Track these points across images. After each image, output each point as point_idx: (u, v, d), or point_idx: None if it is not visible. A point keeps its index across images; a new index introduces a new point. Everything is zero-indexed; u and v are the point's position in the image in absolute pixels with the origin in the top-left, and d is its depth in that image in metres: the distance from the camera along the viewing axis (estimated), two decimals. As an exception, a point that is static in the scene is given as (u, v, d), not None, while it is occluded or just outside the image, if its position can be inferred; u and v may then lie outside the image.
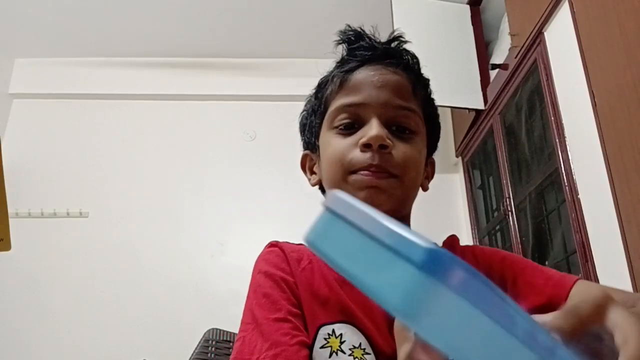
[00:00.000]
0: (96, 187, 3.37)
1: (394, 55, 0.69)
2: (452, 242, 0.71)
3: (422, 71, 0.73)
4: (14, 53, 3.60)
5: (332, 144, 0.67)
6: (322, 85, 0.73)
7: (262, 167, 3.44)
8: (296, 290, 0.62)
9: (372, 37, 0.72)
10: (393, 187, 0.63)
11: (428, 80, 0.74)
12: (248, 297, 0.63)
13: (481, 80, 3.01)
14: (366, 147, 0.63)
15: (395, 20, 2.85)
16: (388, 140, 0.62)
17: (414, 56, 0.72)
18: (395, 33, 0.73)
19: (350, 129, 0.66)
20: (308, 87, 0.79)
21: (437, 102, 0.77)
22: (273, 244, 0.69)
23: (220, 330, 1.61)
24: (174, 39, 3.52)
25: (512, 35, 2.61)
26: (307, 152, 0.77)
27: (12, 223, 0.73)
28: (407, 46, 0.73)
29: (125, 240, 3.21)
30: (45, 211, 3.27)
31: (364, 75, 0.67)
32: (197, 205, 3.34)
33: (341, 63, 0.71)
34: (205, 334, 1.61)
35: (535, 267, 0.66)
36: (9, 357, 2.97)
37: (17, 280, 3.09)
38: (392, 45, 0.72)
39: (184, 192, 3.38)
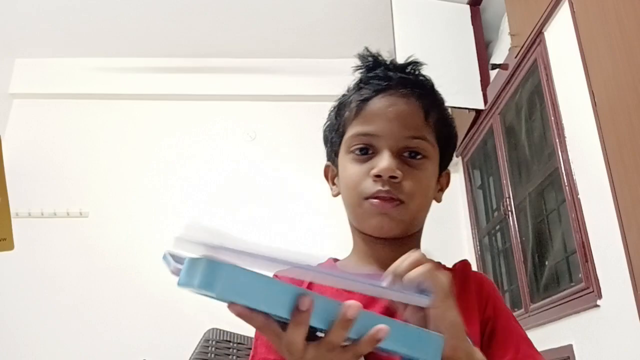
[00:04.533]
0: (96, 187, 3.37)
1: (408, 85, 0.73)
2: (464, 267, 0.76)
3: (436, 92, 0.78)
4: (14, 53, 3.60)
5: (348, 169, 0.73)
6: (341, 107, 0.78)
7: (262, 167, 3.44)
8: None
9: (389, 64, 0.76)
10: (401, 214, 0.70)
11: (442, 100, 0.78)
12: None
13: (481, 80, 3.01)
14: (377, 177, 0.69)
15: (395, 20, 2.85)
16: (398, 172, 0.68)
17: (428, 81, 0.77)
18: (410, 58, 0.77)
19: (365, 153, 0.72)
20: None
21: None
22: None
23: (220, 330, 1.61)
24: (174, 39, 3.52)
25: (512, 35, 2.61)
26: (329, 163, 0.83)
27: (12, 223, 0.73)
28: (422, 69, 0.77)
29: (125, 240, 3.21)
30: (45, 211, 3.27)
31: (379, 106, 0.73)
32: (197, 206, 3.34)
33: (357, 88, 0.77)
34: (205, 334, 1.61)
35: (519, 337, 0.70)
36: (9, 357, 2.97)
37: (17, 280, 3.09)
38: (408, 69, 0.76)
39: (184, 192, 3.38)
